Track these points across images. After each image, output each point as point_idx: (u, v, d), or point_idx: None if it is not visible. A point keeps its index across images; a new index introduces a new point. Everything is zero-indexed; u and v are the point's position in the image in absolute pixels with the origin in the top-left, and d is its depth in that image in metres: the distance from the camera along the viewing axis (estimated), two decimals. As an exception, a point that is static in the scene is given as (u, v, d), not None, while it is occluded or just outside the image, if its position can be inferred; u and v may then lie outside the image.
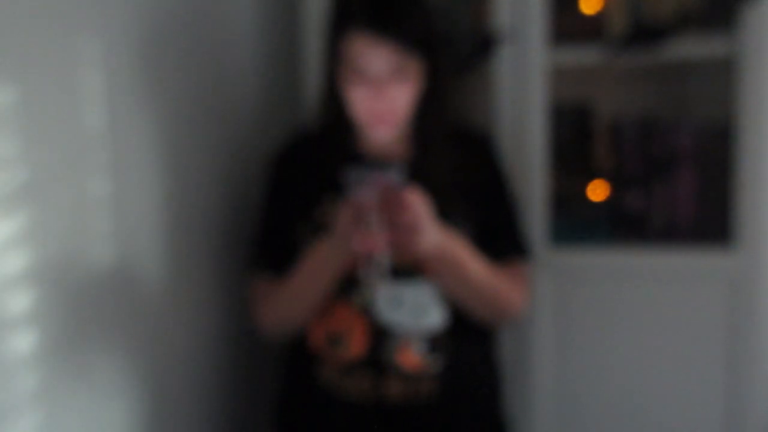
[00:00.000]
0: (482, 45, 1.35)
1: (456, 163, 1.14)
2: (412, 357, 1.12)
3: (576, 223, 1.45)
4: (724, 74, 1.34)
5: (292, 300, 1.14)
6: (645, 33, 1.31)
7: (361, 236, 0.96)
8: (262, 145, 1.37)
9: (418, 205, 0.97)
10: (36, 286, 0.84)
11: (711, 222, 1.40)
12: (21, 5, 0.80)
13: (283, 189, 1.19)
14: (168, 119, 1.12)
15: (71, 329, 0.90)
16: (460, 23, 1.42)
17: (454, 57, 1.36)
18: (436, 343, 1.13)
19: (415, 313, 1.12)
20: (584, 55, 1.36)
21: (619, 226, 1.46)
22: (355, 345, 1.12)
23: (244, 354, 1.37)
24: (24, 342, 0.82)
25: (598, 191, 1.49)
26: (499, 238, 1.19)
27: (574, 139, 1.51)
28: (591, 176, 1.49)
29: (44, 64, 0.85)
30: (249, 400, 1.40)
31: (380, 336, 1.12)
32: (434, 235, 1.00)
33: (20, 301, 0.82)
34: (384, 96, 1.06)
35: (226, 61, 1.33)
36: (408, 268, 1.10)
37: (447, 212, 1.07)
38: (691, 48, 1.32)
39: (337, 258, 1.05)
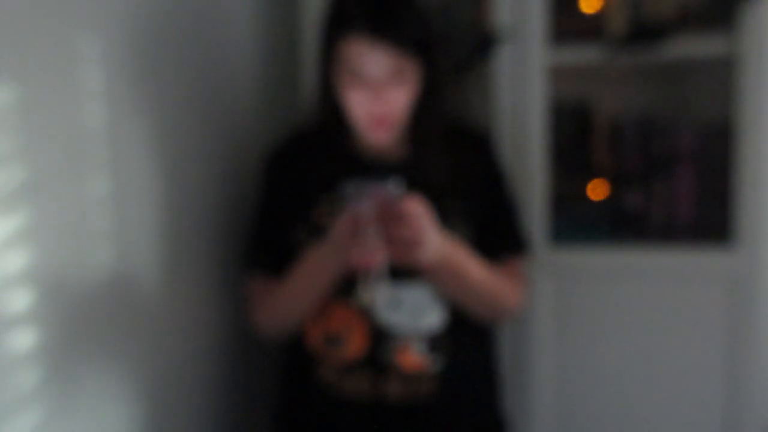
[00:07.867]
0: (482, 44, 1.35)
1: (454, 162, 1.14)
2: (411, 357, 1.12)
3: (576, 223, 1.45)
4: (724, 74, 1.34)
5: (289, 301, 1.14)
6: (645, 33, 1.31)
7: (359, 250, 0.94)
8: (261, 144, 1.37)
9: (418, 217, 0.95)
10: (35, 284, 0.83)
11: (711, 221, 1.40)
12: (21, 4, 0.80)
13: (279, 188, 1.19)
14: (167, 118, 1.12)
15: (70, 328, 0.90)
16: (460, 23, 1.42)
17: (454, 57, 1.36)
18: (436, 343, 1.13)
19: (414, 314, 1.12)
20: (584, 55, 1.36)
21: (618, 225, 1.46)
22: (354, 345, 1.12)
23: (242, 353, 1.37)
24: (23, 341, 0.82)
25: (598, 190, 1.49)
26: (498, 235, 1.19)
27: (574, 139, 1.51)
28: (591, 176, 1.49)
29: (44, 63, 0.84)
30: (247, 399, 1.40)
31: (379, 336, 1.12)
32: (435, 247, 0.99)
33: (19, 300, 0.82)
34: (382, 99, 1.05)
35: (226, 61, 1.33)
36: (406, 270, 1.09)
37: (445, 212, 1.07)
38: (691, 48, 1.32)
39: (334, 265, 1.05)
